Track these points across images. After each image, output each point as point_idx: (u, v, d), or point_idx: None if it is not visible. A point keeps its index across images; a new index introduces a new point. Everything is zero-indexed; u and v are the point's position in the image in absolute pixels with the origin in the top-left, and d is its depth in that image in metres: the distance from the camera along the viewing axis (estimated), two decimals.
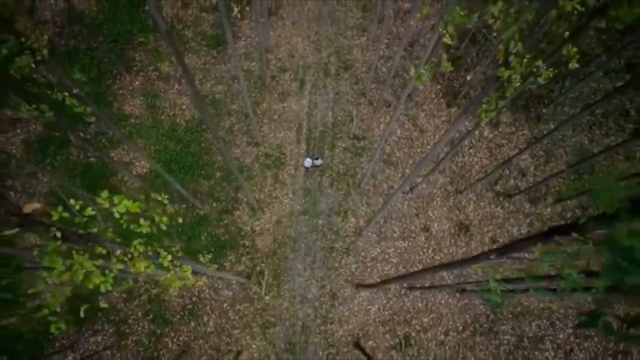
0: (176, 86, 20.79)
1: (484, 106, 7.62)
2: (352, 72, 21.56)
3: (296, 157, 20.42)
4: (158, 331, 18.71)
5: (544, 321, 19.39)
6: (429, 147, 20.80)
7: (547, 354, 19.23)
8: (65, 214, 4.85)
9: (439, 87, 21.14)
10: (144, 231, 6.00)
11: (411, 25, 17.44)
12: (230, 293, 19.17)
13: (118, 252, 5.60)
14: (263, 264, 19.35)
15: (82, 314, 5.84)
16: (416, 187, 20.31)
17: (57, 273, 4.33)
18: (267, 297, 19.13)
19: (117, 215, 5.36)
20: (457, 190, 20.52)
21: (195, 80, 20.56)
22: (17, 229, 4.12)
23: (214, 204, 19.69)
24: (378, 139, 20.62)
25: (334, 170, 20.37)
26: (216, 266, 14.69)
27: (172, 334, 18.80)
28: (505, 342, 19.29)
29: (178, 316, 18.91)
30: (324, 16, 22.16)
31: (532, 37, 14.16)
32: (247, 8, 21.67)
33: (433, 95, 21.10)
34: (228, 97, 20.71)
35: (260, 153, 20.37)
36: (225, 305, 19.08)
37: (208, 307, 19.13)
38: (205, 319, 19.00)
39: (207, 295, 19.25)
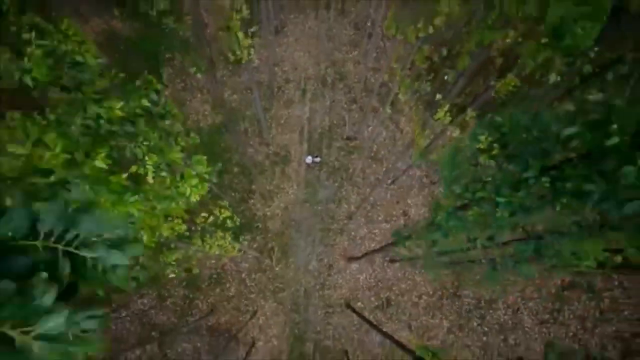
0: (199, 95, 26.09)
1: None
2: (346, 82, 26.86)
3: (299, 155, 25.95)
4: (191, 295, 24.68)
5: (498, 287, 25.44)
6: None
7: (499, 312, 25.32)
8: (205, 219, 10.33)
9: (417, 96, 26.52)
10: (230, 225, 11.47)
11: (395, 41, 22.76)
12: (247, 265, 25.06)
13: (214, 235, 11.10)
14: (273, 242, 25.16)
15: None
16: (397, 179, 25.95)
17: (198, 246, 9.66)
18: (277, 268, 25.03)
19: (221, 218, 10.85)
20: (431, 182, 26.18)
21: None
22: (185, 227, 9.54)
23: (233, 194, 25.33)
24: (367, 139, 26.12)
25: (330, 166, 25.95)
26: (246, 242, 20.48)
27: (202, 297, 24.76)
28: (466, 303, 25.34)
29: (206, 283, 24.84)
30: (322, 34, 27.26)
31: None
32: (257, 27, 26.70)
33: (412, 103, 26.52)
34: (242, 104, 26.06)
35: (270, 152, 25.88)
36: (243, 274, 24.99)
37: (230, 276, 25.04)
38: (228, 285, 24.93)
39: (229, 267, 25.14)
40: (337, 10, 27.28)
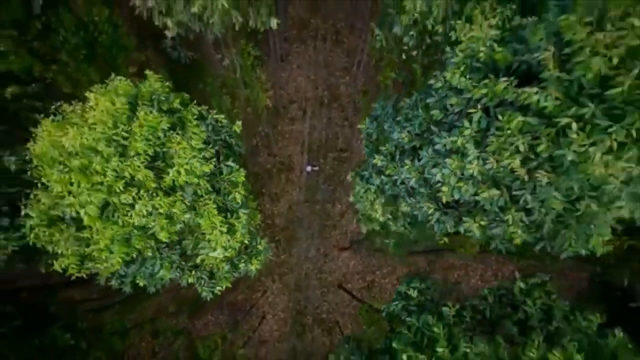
0: None
1: None
2: (339, 102, 36.33)
3: (300, 164, 35.66)
4: None
5: (462, 271, 35.41)
6: None
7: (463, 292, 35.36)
8: None
9: None
10: (258, 228, 21.01)
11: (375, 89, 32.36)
12: None
13: None
14: (280, 235, 35.09)
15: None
16: None
17: None
18: (282, 256, 34.99)
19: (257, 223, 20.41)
20: None
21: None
22: None
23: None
24: (356, 151, 35.79)
25: (326, 173, 35.67)
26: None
27: None
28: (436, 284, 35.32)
29: None
30: (320, 61, 36.63)
31: None
32: (266, 57, 36.19)
33: None
34: (254, 122, 35.74)
35: (276, 161, 35.59)
36: None
37: None
38: None
39: None
40: (332, 42, 36.64)
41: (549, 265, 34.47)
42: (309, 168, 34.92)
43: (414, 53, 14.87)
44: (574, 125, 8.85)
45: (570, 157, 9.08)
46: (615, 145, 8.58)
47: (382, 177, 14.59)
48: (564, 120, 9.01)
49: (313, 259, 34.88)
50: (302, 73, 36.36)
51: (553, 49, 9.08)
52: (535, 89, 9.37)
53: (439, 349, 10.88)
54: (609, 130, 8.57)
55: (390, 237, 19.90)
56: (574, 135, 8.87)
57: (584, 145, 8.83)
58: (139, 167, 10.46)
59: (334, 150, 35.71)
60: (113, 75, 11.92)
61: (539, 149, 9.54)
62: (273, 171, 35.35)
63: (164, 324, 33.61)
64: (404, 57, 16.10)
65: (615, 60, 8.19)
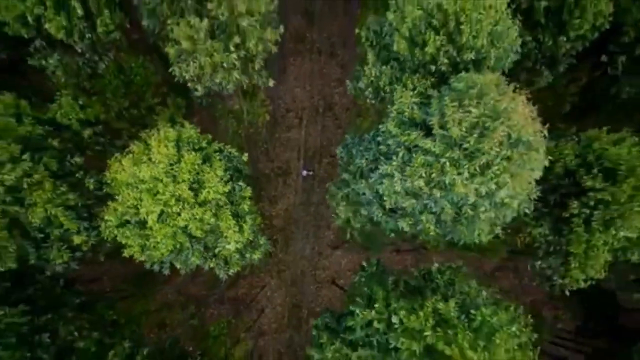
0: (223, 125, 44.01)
1: None
2: (334, 111, 44.47)
3: (297, 169, 43.80)
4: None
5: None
6: None
7: None
8: None
9: None
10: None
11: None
12: None
13: None
14: (278, 235, 43.39)
15: None
16: None
17: None
18: (280, 255, 43.26)
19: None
20: None
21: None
22: None
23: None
24: None
25: (320, 177, 43.82)
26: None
27: None
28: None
29: None
30: (315, 73, 44.73)
31: None
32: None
33: None
34: (255, 130, 43.95)
35: (274, 166, 43.77)
36: None
37: None
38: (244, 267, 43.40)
39: None
40: (327, 54, 44.87)
41: (522, 260, 42.72)
42: (304, 172, 43.24)
43: (373, 102, 23.11)
44: (447, 163, 17.10)
45: (447, 181, 17.32)
46: (469, 175, 16.83)
47: (349, 189, 22.89)
48: (444, 160, 17.25)
49: (308, 257, 43.26)
50: (299, 84, 44.74)
51: (438, 118, 17.31)
52: (429, 141, 17.62)
53: (377, 305, 19.14)
54: (465, 165, 16.83)
55: (359, 234, 28.21)
56: (448, 169, 17.12)
57: (454, 174, 17.08)
58: (184, 189, 18.76)
59: (327, 156, 44.03)
60: (160, 124, 20.26)
61: (433, 176, 17.78)
62: (271, 176, 43.77)
63: (174, 314, 42.16)
64: (367, 102, 24.37)
65: (464, 129, 16.44)
